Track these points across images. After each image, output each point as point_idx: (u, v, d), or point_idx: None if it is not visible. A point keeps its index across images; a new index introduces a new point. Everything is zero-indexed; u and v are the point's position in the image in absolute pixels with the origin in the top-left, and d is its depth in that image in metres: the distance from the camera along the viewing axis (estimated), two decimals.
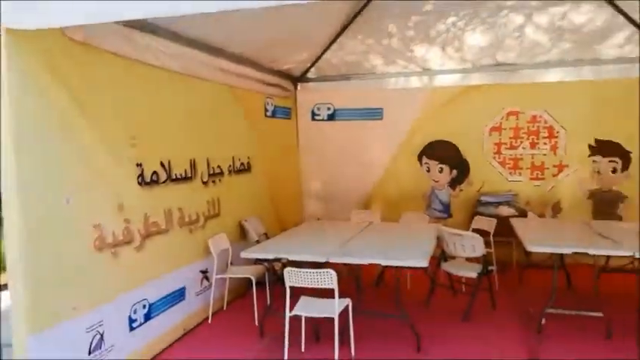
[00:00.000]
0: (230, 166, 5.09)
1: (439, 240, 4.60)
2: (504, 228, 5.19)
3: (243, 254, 4.03)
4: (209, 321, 4.48)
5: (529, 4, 5.25)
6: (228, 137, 5.12)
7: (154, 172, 3.88)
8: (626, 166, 5.97)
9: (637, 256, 3.82)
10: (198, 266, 4.46)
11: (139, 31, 3.62)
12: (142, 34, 3.66)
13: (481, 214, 5.77)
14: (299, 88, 7.01)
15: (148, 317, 3.74)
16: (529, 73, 6.23)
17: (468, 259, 4.67)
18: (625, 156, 5.96)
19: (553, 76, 6.15)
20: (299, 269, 3.44)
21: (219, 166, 4.85)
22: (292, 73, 6.74)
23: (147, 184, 3.78)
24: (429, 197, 6.69)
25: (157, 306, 3.85)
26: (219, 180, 4.86)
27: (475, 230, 5.13)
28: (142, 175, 3.73)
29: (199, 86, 4.55)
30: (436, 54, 6.22)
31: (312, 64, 6.68)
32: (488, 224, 5.25)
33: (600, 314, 3.93)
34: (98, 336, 3.23)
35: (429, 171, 6.68)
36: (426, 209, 6.65)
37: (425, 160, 6.68)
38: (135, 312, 3.60)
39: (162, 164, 3.97)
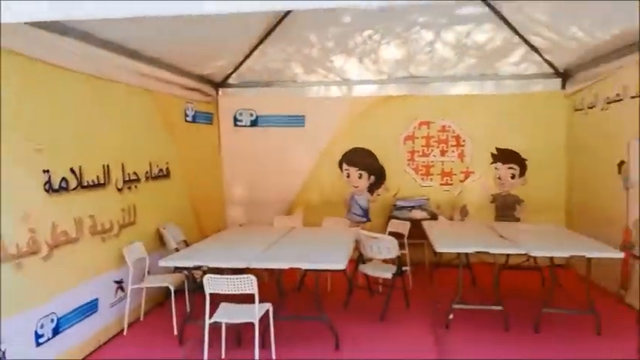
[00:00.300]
0: (147, 172, 4.94)
1: (358, 243, 4.81)
2: (418, 230, 5.53)
3: (162, 262, 3.95)
4: (124, 332, 4.31)
5: (438, 21, 5.66)
6: (145, 142, 4.97)
7: (63, 179, 3.68)
8: (522, 173, 6.60)
9: (531, 254, 4.28)
10: (112, 276, 4.28)
11: (47, 32, 3.44)
12: (52, 34, 3.48)
13: (396, 218, 6.09)
14: (220, 93, 6.96)
15: (56, 331, 3.53)
16: (439, 86, 6.70)
17: (385, 261, 4.92)
18: (522, 163, 6.59)
19: (460, 89, 6.66)
20: (219, 276, 3.44)
21: (135, 172, 4.69)
22: (214, 79, 6.69)
23: (55, 191, 3.58)
24: (349, 202, 6.93)
25: (66, 319, 3.65)
26: (136, 186, 4.70)
27: (391, 233, 5.42)
28: (49, 182, 3.52)
29: (115, 90, 4.39)
30: (354, 65, 6.49)
31: (234, 70, 6.67)
32: (403, 227, 5.56)
33: (500, 308, 4.32)
34: None
35: (349, 177, 6.92)
36: (347, 214, 6.88)
37: (345, 166, 6.92)
38: (42, 327, 3.39)
39: (72, 170, 3.78)
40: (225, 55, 6.13)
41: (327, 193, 6.91)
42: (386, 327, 4.42)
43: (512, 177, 6.61)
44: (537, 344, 4.02)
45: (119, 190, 4.43)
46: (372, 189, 6.90)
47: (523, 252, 4.23)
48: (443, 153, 6.75)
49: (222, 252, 4.26)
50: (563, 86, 6.35)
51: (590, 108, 5.70)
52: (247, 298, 3.49)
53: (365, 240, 4.69)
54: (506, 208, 6.63)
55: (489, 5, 5.39)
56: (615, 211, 5.11)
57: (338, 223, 5.91)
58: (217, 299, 3.59)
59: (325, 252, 4.20)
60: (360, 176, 6.90)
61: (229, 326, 3.73)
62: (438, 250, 4.31)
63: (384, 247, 4.58)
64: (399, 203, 6.56)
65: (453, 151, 6.73)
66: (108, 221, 4.22)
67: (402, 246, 5.45)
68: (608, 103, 5.27)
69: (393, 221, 5.85)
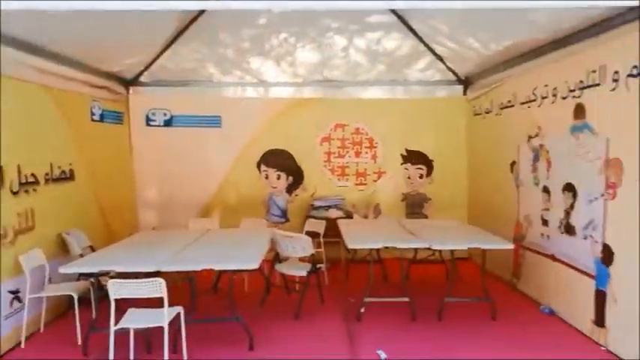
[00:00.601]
0: (47, 174, 4.62)
1: (274, 243, 4.86)
2: (334, 229, 5.70)
3: (62, 269, 3.73)
4: (22, 346, 4.01)
5: (350, 27, 5.88)
6: (44, 142, 4.65)
7: None
8: (429, 173, 7.04)
9: (433, 248, 4.59)
10: (6, 286, 3.96)
11: None
12: None
13: (314, 218, 6.24)
14: (131, 91, 6.69)
15: None
16: (353, 90, 6.96)
17: (301, 259, 5.02)
18: (429, 164, 7.03)
19: (372, 93, 6.97)
20: (124, 280, 3.32)
21: (33, 174, 4.38)
22: (124, 76, 6.41)
23: None
24: (268, 203, 6.97)
25: None
26: (34, 189, 4.39)
27: (308, 232, 5.55)
28: None
29: (8, 86, 4.06)
30: (271, 67, 6.55)
31: (146, 68, 6.45)
32: (319, 226, 5.71)
33: (407, 299, 4.59)
34: None
35: (267, 178, 6.96)
36: (266, 215, 6.91)
37: (263, 167, 6.95)
38: None
39: None
40: (136, 53, 5.90)
41: (245, 194, 6.89)
42: (301, 324, 4.52)
43: (421, 177, 7.03)
44: (440, 331, 4.32)
45: (14, 193, 4.11)
46: (290, 189, 6.99)
47: (426, 246, 4.53)
48: (357, 154, 7.01)
49: (131, 256, 4.10)
50: (465, 92, 6.87)
51: (487, 113, 6.23)
52: (161, 303, 3.40)
53: (280, 239, 4.75)
54: (415, 206, 7.03)
55: (397, 15, 5.70)
56: (509, 207, 5.63)
57: (256, 224, 5.92)
58: (128, 306, 3.47)
59: (239, 252, 4.20)
60: (279, 177, 6.96)
61: (139, 332, 3.61)
62: (350, 246, 4.49)
63: (299, 246, 4.68)
64: (316, 203, 6.72)
65: (366, 153, 7.02)
66: (1, 227, 3.91)
67: (318, 244, 5.63)
68: (502, 108, 5.80)
69: (310, 220, 5.99)
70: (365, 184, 7.05)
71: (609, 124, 3.80)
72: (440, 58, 6.38)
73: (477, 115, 6.59)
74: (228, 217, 6.48)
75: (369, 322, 4.51)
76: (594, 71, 3.94)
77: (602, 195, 3.87)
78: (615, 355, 3.71)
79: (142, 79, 6.65)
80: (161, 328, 3.37)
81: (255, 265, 3.73)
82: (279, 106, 6.84)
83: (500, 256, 5.18)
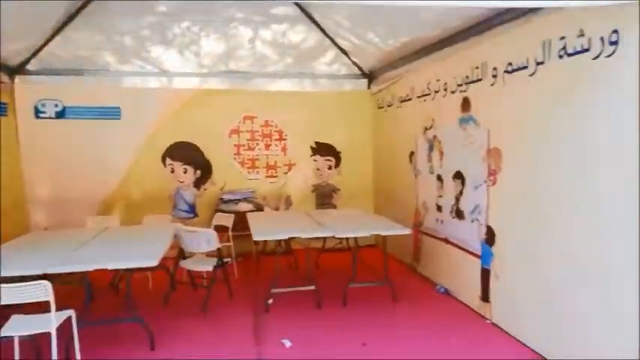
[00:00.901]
0: None
1: (178, 239, 4.73)
2: (245, 222, 5.65)
3: None
4: None
5: (255, 19, 5.83)
6: None
7: None
8: (338, 164, 7.23)
9: (336, 236, 4.75)
10: None
11: None
12: None
13: (223, 211, 6.15)
14: (17, 80, 6.11)
15: None
16: (261, 82, 6.93)
17: (208, 254, 4.93)
18: (337, 155, 7.22)
19: (281, 85, 6.98)
20: (4, 285, 3.06)
21: None
22: (7, 63, 5.83)
23: None
24: (174, 198, 6.74)
25: None
26: None
27: (217, 226, 5.47)
28: None
29: None
30: (174, 56, 6.32)
31: (33, 55, 5.92)
32: (227, 220, 5.64)
33: (313, 287, 4.70)
34: None
35: (173, 172, 6.73)
36: (173, 210, 6.69)
37: (169, 161, 6.70)
38: None
39: None
40: (20, 38, 5.39)
41: (149, 189, 6.61)
42: (207, 320, 4.45)
43: (330, 168, 7.20)
44: (344, 315, 4.49)
45: None
46: (198, 183, 6.82)
47: (331, 235, 4.66)
48: (267, 147, 7.01)
49: (15, 259, 3.77)
50: (369, 86, 7.12)
51: (389, 106, 6.52)
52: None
53: (184, 235, 4.63)
54: (325, 197, 7.20)
55: (301, 7, 5.76)
56: (409, 195, 5.96)
57: (160, 221, 5.70)
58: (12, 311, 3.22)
59: (138, 250, 4.03)
60: (185, 171, 6.76)
61: (26, 340, 3.35)
62: (255, 238, 4.50)
63: (203, 241, 4.59)
64: (226, 197, 6.63)
65: (276, 145, 7.04)
66: None
67: (228, 238, 5.58)
68: (401, 101, 6.10)
69: (218, 214, 5.90)
70: (276, 177, 7.08)
71: (490, 116, 4.16)
72: (344, 52, 6.55)
73: (380, 108, 6.87)
74: (131, 214, 6.19)
75: (277, 312, 4.56)
76: (477, 67, 4.28)
77: (485, 181, 4.23)
78: (499, 327, 4.09)
79: (30, 67, 6.09)
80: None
81: (153, 263, 3.60)
82: (184, 98, 6.63)
83: (402, 241, 5.49)
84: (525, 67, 3.59)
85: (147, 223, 5.59)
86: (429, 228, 5.49)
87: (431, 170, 5.37)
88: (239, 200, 6.60)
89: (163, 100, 6.59)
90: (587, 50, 2.97)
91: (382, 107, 6.78)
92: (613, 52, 2.78)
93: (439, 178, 5.17)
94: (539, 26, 3.42)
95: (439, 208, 5.20)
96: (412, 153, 5.85)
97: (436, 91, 5.13)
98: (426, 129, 5.43)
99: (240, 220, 5.72)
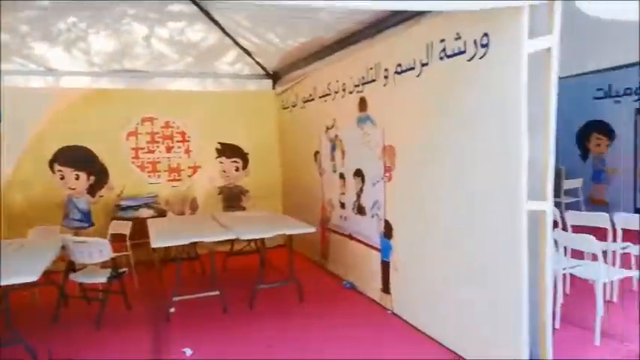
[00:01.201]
0: None
1: (67, 250, 4.36)
2: (146, 229, 5.36)
3: None
4: None
5: (149, 15, 5.56)
6: None
7: None
8: (245, 165, 7.13)
9: (240, 238, 4.67)
10: None
11: None
12: None
13: (122, 219, 5.78)
14: None
15: None
16: (161, 81, 6.65)
17: (103, 265, 4.61)
18: (244, 157, 7.12)
19: (182, 85, 6.76)
20: None
21: None
22: None
23: None
24: (66, 206, 6.24)
25: None
26: None
27: (114, 235, 5.14)
28: None
29: None
30: (60, 54, 5.84)
31: None
32: (124, 227, 5.32)
33: (217, 292, 4.58)
34: None
35: (63, 179, 6.22)
36: (64, 220, 6.19)
37: (57, 167, 6.19)
38: None
39: None
40: None
41: (35, 198, 6.04)
42: (103, 334, 4.16)
43: (237, 170, 7.09)
44: (250, 318, 4.43)
45: None
46: (93, 190, 6.37)
47: (234, 237, 4.58)
48: (169, 149, 6.73)
49: None
50: (274, 87, 7.12)
51: (294, 106, 6.57)
52: None
53: (72, 245, 4.29)
54: (232, 199, 7.07)
55: (198, 6, 5.58)
56: (315, 194, 6.04)
57: (48, 232, 5.23)
58: None
59: (17, 265, 3.66)
60: (78, 177, 6.28)
61: None
62: (154, 245, 4.29)
63: (95, 251, 4.28)
64: (124, 203, 6.26)
65: (179, 147, 6.78)
66: None
67: (126, 247, 5.26)
68: (304, 102, 6.17)
69: (115, 222, 5.54)
70: (179, 180, 6.81)
71: (384, 115, 4.33)
72: (247, 52, 6.48)
73: (285, 108, 6.89)
74: (13, 226, 5.61)
75: (180, 321, 4.39)
76: (371, 68, 4.44)
77: (382, 178, 4.40)
78: (399, 316, 4.27)
79: None
80: None
81: (33, 278, 3.29)
82: (72, 98, 6.15)
83: (311, 239, 5.55)
84: (412, 69, 3.79)
85: (33, 235, 5.10)
86: (334, 225, 5.60)
87: (334, 169, 5.48)
88: (139, 206, 6.25)
89: (49, 100, 6.06)
90: (463, 52, 3.20)
91: (287, 107, 6.80)
92: (484, 54, 3.02)
93: (342, 176, 5.30)
94: (424, 29, 3.63)
95: (343, 205, 5.33)
96: (317, 152, 5.93)
97: (336, 92, 5.25)
98: (328, 128, 5.54)
99: (141, 227, 5.42)
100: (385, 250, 4.46)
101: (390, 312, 4.39)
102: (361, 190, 4.85)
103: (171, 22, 5.71)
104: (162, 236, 4.57)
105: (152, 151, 6.63)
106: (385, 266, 4.47)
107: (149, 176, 6.64)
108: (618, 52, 6.51)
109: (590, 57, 6.97)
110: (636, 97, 7.10)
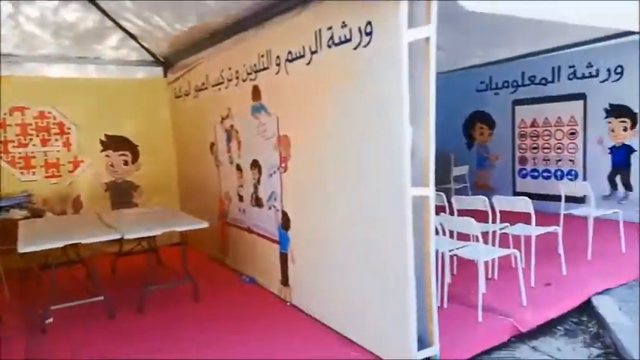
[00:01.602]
0: None
1: None
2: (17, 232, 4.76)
3: None
4: None
5: None
6: None
7: None
8: (135, 159, 6.63)
9: (125, 237, 4.30)
10: None
11: None
12: None
13: None
14: None
15: None
16: (33, 67, 5.95)
17: None
18: (134, 150, 6.62)
19: (58, 70, 6.11)
20: None
21: None
22: None
23: None
24: None
25: None
26: None
27: None
28: None
29: None
30: None
31: None
32: None
33: (101, 298, 4.20)
34: None
35: None
36: None
37: None
38: None
39: None
40: None
41: None
42: None
43: (126, 163, 6.58)
44: (140, 322, 4.12)
45: None
46: None
47: (118, 236, 4.21)
48: (45, 142, 6.05)
49: None
50: (166, 75, 6.69)
51: (187, 95, 6.22)
52: None
53: None
54: (122, 195, 6.56)
55: None
56: (213, 187, 5.79)
57: None
58: None
59: None
60: None
61: None
62: (20, 250, 3.78)
63: None
64: None
65: (57, 140, 6.13)
66: None
67: None
68: (197, 90, 5.86)
69: None
70: (59, 176, 6.16)
71: (278, 104, 4.23)
72: (132, 36, 6.00)
73: (177, 97, 6.51)
74: None
75: (59, 332, 3.96)
76: (263, 56, 4.30)
77: (278, 169, 4.31)
78: (298, 308, 4.22)
79: None
80: None
81: None
82: None
83: (210, 235, 5.32)
84: (302, 56, 3.72)
85: None
86: (233, 219, 5.41)
87: (230, 160, 5.28)
88: (10, 207, 5.55)
89: None
90: (349, 40, 3.18)
91: (180, 96, 6.43)
92: (369, 43, 3.02)
93: (238, 167, 5.12)
94: (312, 16, 3.57)
95: (241, 198, 5.16)
96: (213, 144, 5.68)
97: (229, 80, 5.04)
98: (222, 119, 5.31)
99: (13, 230, 4.80)
100: (283, 242, 4.39)
101: (289, 304, 4.34)
102: (258, 181, 4.72)
103: (42, 1, 5.10)
104: (33, 239, 4.07)
105: (25, 145, 5.92)
106: (284, 258, 4.40)
107: (22, 173, 5.92)
108: (500, 46, 7.04)
109: (476, 52, 7.46)
110: (513, 90, 7.75)
